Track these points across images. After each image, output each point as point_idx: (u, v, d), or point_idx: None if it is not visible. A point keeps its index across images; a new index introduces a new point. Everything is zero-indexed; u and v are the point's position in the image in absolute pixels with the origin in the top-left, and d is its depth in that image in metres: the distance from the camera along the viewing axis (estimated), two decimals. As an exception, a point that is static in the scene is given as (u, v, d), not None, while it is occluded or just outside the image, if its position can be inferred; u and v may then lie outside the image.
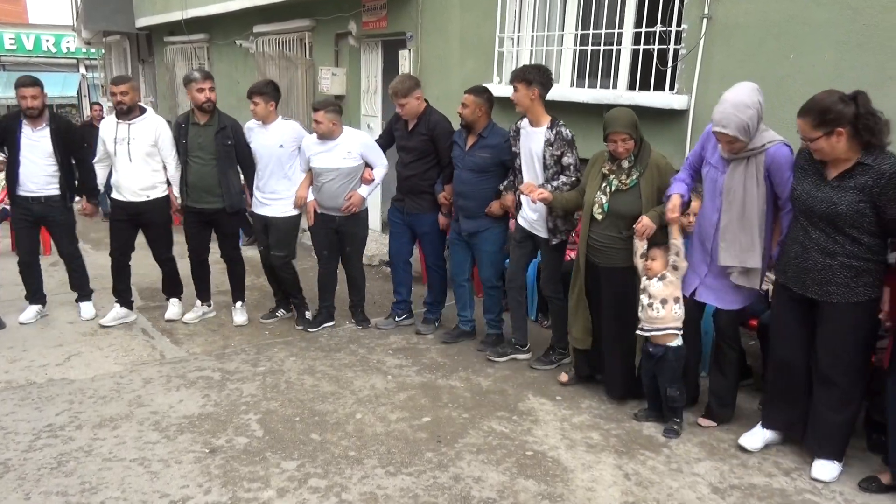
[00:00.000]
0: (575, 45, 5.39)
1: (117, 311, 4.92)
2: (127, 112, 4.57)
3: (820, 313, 3.00)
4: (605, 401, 3.81)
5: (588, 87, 5.31)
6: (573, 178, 3.88)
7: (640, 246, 3.46)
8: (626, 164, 3.51)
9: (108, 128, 4.66)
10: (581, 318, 3.78)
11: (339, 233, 4.71)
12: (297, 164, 4.69)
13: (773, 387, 3.27)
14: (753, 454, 3.27)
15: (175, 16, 10.69)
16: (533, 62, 5.83)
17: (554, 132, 3.87)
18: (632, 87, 4.98)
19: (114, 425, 3.47)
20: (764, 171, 3.11)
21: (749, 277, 3.27)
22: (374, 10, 7.25)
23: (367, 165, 4.62)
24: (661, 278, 3.38)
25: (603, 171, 3.58)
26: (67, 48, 22.38)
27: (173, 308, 5.05)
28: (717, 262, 3.31)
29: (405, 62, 6.83)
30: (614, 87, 5.09)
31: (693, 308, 3.47)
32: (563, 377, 4.01)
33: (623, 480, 3.06)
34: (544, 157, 3.89)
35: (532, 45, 5.80)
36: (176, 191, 4.74)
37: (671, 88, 4.67)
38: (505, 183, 4.21)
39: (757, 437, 3.30)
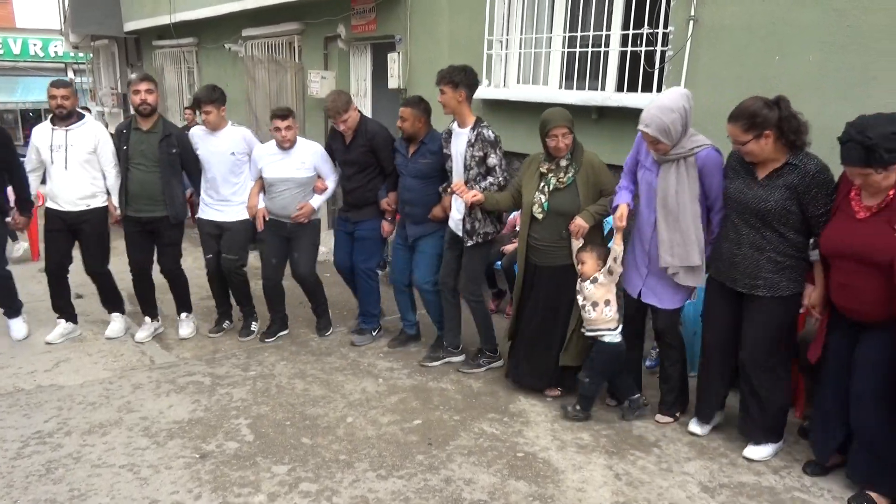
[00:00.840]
0: (563, 47, 5.41)
1: (63, 327, 4.72)
2: (65, 117, 4.39)
3: (748, 306, 3.17)
4: (597, 402, 3.82)
5: (576, 88, 5.34)
6: (500, 179, 3.92)
7: (577, 245, 3.58)
8: (563, 162, 3.59)
9: (43, 135, 4.42)
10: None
11: (289, 240, 4.65)
12: (248, 170, 4.63)
13: (705, 378, 3.44)
14: (742, 454, 3.29)
15: (164, 19, 10.67)
16: (522, 64, 5.87)
17: (475, 133, 3.92)
18: (620, 88, 5.00)
19: (103, 431, 3.45)
20: (696, 173, 3.23)
21: (694, 275, 3.36)
22: (364, 13, 7.26)
23: (319, 176, 4.62)
24: (594, 281, 3.47)
25: (541, 170, 3.66)
26: (55, 52, 22.26)
27: (115, 325, 4.81)
28: (657, 263, 3.41)
29: (394, 65, 6.84)
30: (602, 88, 5.10)
31: (637, 309, 3.58)
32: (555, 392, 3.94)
33: (613, 480, 3.08)
34: (465, 158, 3.93)
35: (521, 48, 5.82)
36: (115, 200, 4.55)
37: (658, 90, 4.69)
38: (444, 185, 4.24)
39: (704, 426, 3.48)
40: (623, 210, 3.40)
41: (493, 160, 3.92)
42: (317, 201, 4.60)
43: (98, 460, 3.19)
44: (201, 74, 10.95)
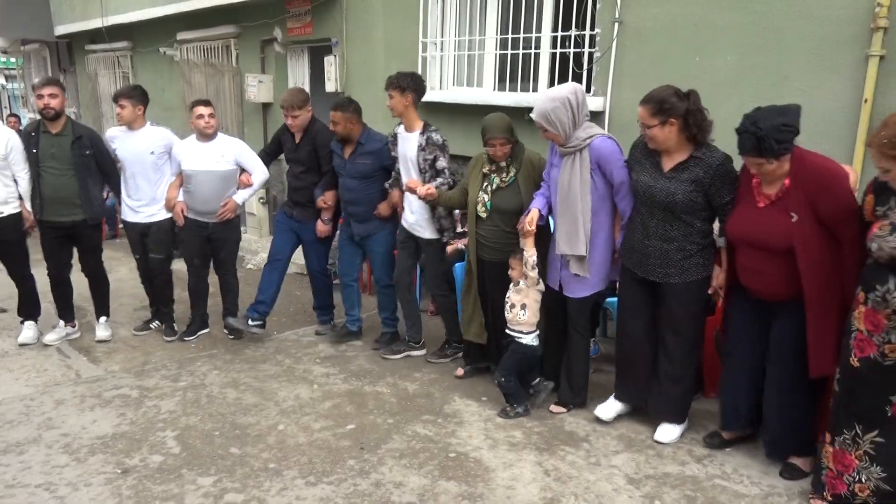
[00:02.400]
0: (496, 49, 5.46)
1: None
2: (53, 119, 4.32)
3: (661, 293, 3.29)
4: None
5: (510, 90, 5.39)
6: (448, 181, 4.04)
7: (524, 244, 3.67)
8: (503, 163, 3.70)
9: None
10: (477, 316, 3.93)
11: (211, 240, 4.63)
12: (169, 169, 4.58)
13: (622, 362, 3.55)
14: (668, 445, 3.37)
15: (95, 23, 10.33)
16: (457, 67, 5.90)
17: (425, 137, 4.05)
18: (551, 89, 5.07)
19: (20, 450, 3.31)
20: (591, 164, 3.35)
21: (581, 265, 3.47)
22: (299, 17, 7.18)
23: (244, 171, 4.62)
24: (516, 284, 3.58)
25: (483, 171, 3.76)
26: (-16, 57, 21.34)
27: (28, 332, 4.68)
28: (556, 250, 3.54)
29: (331, 68, 6.78)
30: (535, 90, 5.17)
31: (557, 302, 3.66)
32: (459, 371, 4.15)
33: (542, 476, 3.10)
34: (418, 162, 4.06)
35: (455, 50, 5.85)
36: (28, 205, 4.45)
37: (588, 91, 4.77)
38: (390, 181, 4.33)
39: (610, 408, 3.57)
40: (533, 215, 3.48)
41: (442, 163, 4.05)
42: (241, 196, 4.57)
43: (13, 480, 3.06)
44: (137, 79, 10.65)
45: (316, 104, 7.76)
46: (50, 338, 4.66)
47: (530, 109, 5.02)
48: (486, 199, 3.73)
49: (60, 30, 11.87)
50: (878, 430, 2.62)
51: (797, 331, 2.85)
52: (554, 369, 3.80)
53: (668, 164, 3.16)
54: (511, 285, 3.62)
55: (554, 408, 3.71)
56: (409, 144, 4.10)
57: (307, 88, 7.66)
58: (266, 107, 7.89)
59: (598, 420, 3.55)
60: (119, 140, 4.54)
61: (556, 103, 3.31)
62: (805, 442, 3.05)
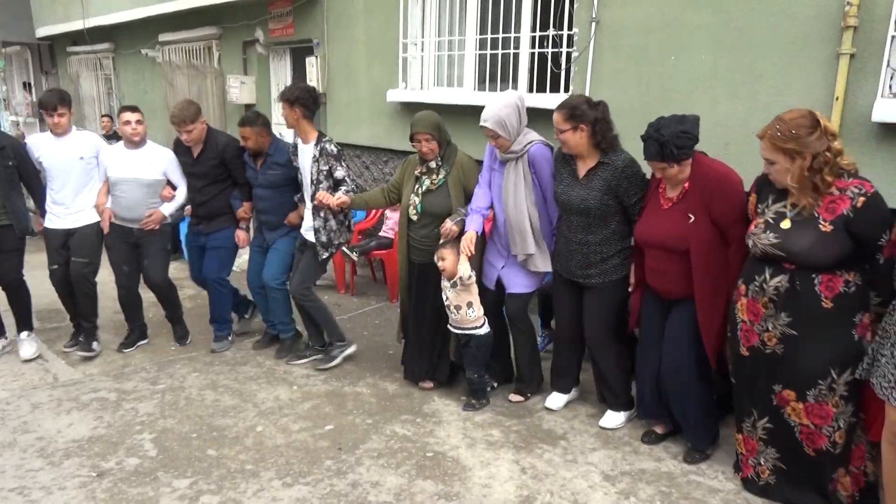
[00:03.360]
0: (476, 49, 5.47)
1: None
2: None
3: (585, 293, 3.48)
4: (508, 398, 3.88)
5: (489, 90, 5.41)
6: (352, 189, 4.05)
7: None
8: (434, 164, 3.72)
9: None
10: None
11: (137, 246, 4.50)
12: (97, 174, 4.47)
13: (557, 357, 3.76)
14: (644, 443, 3.40)
15: (77, 24, 10.29)
16: (437, 66, 5.91)
17: (318, 148, 4.05)
18: (531, 89, 5.09)
19: (-6, 455, 3.29)
20: (528, 168, 3.48)
21: (535, 262, 3.60)
22: (281, 18, 7.18)
23: (170, 184, 4.51)
24: (454, 286, 3.56)
25: (416, 173, 3.80)
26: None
27: None
28: (510, 253, 3.66)
29: (313, 69, 6.78)
30: (515, 89, 5.18)
31: (496, 299, 3.79)
32: (428, 385, 4.04)
33: (519, 475, 3.12)
34: (311, 172, 4.07)
35: (436, 50, 5.86)
36: None
37: (566, 90, 4.80)
38: (298, 195, 4.35)
39: (556, 399, 3.76)
40: (471, 236, 3.53)
41: (339, 173, 4.05)
42: (167, 209, 4.47)
43: (-14, 485, 3.04)
44: (119, 81, 10.61)
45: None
46: None
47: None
48: (417, 202, 3.76)
49: (42, 31, 11.82)
50: (768, 416, 2.83)
51: (691, 321, 3.05)
52: (501, 366, 3.99)
53: (582, 170, 3.34)
54: (447, 287, 3.60)
55: (512, 396, 3.86)
56: (305, 155, 4.12)
57: (289, 89, 7.66)
58: (249, 108, 7.88)
59: (548, 409, 3.72)
60: (45, 148, 4.38)
61: (510, 109, 3.42)
62: (703, 429, 3.22)
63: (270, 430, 3.54)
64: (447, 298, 3.63)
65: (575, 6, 4.67)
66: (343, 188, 4.01)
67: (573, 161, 3.38)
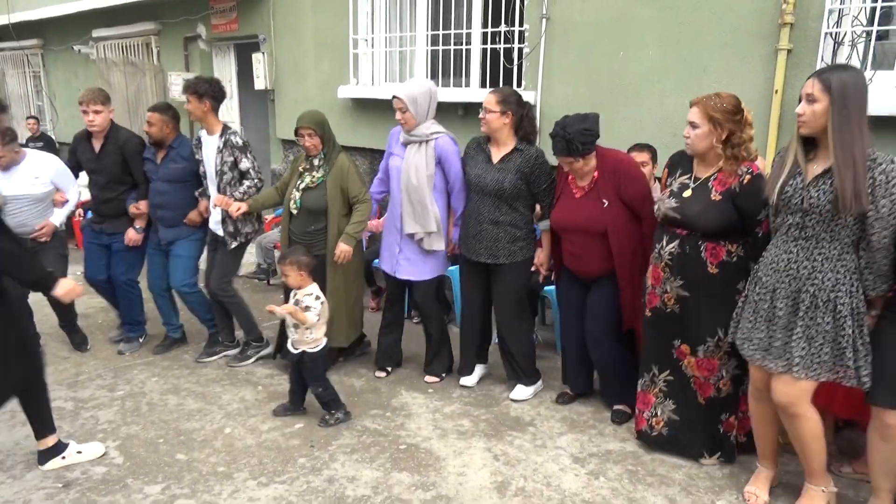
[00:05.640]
0: (427, 45, 5.51)
1: None
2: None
3: (492, 274, 3.74)
4: (475, 389, 3.96)
5: (442, 86, 5.45)
6: (256, 181, 4.12)
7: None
8: (316, 162, 3.89)
9: None
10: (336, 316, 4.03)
11: (34, 254, 4.24)
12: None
13: (465, 336, 4.00)
14: (609, 424, 3.54)
15: (1, 20, 9.79)
16: (388, 63, 5.92)
17: (223, 140, 4.07)
18: (483, 84, 5.17)
19: (-52, 472, 3.15)
20: (435, 157, 3.73)
21: (432, 240, 3.82)
22: (224, 13, 7.04)
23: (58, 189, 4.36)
24: (296, 303, 3.46)
25: (300, 169, 3.95)
26: None
27: None
28: (409, 239, 3.85)
29: (259, 65, 6.68)
30: (467, 85, 5.26)
31: (396, 287, 4.05)
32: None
33: (492, 461, 3.20)
34: (215, 164, 4.09)
35: (386, 46, 5.87)
36: None
37: (519, 85, 4.90)
38: (199, 190, 4.31)
39: (469, 379, 4.01)
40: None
41: (245, 164, 4.09)
42: (59, 217, 4.32)
43: (-57, 503, 2.92)
44: (49, 78, 10.17)
45: (245, 103, 7.66)
46: None
47: (463, 105, 5.20)
48: (297, 197, 3.90)
49: (-38, 27, 11.17)
50: (669, 369, 3.13)
51: (609, 296, 3.39)
52: (397, 355, 4.23)
53: (496, 156, 3.62)
54: (294, 296, 3.51)
55: (428, 378, 4.07)
56: (209, 147, 4.12)
57: (234, 86, 7.52)
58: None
59: (465, 387, 3.96)
60: None
61: (424, 89, 3.70)
62: (626, 390, 3.49)
63: (239, 431, 3.51)
64: (288, 322, 3.54)
65: (525, 3, 4.77)
66: (247, 181, 4.08)
67: (487, 147, 3.65)
